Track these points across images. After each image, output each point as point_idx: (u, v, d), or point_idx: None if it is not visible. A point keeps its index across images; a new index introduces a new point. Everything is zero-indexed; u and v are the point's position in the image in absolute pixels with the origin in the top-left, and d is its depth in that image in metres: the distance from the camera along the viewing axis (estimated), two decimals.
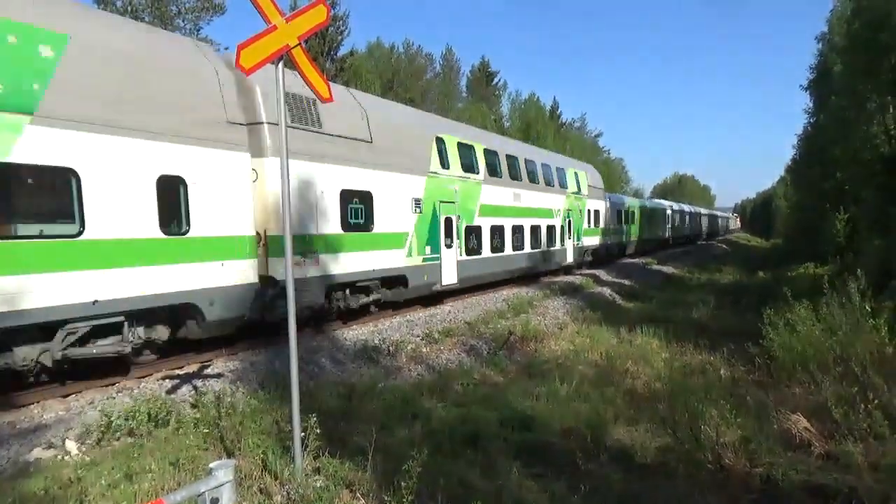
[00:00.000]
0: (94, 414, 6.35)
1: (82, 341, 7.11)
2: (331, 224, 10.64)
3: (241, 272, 8.85)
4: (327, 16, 4.76)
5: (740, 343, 9.26)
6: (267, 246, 9.43)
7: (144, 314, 7.72)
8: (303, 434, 4.73)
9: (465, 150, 15.59)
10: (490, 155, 16.96)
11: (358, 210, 11.39)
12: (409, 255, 12.92)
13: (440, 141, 14.44)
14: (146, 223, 7.56)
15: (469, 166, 15.63)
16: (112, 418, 6.06)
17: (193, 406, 6.74)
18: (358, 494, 4.55)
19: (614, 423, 6.54)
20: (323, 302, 10.66)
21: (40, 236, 6.59)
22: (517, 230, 18.25)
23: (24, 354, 6.63)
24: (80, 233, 6.88)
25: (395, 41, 60.86)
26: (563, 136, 58.12)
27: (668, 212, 46.00)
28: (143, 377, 8.03)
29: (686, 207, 57.84)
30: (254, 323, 9.54)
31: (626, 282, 23.18)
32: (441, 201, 14.12)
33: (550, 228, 20.88)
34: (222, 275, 8.55)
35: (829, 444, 5.43)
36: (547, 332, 12.39)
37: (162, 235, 7.76)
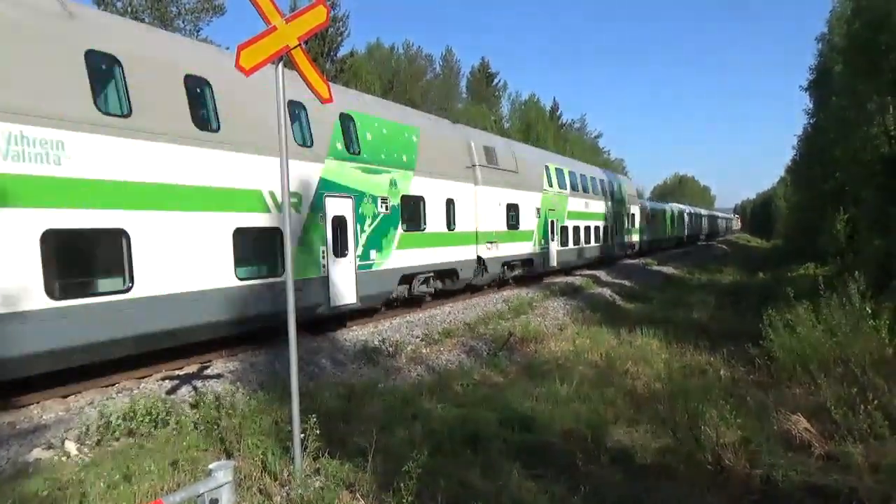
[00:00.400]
0: (93, 414, 6.35)
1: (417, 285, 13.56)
2: (501, 224, 17.29)
3: (471, 252, 15.69)
4: (327, 17, 4.77)
5: (740, 344, 9.25)
6: (477, 238, 15.98)
7: (439, 273, 14.43)
8: (302, 435, 4.73)
9: (559, 172, 22.52)
10: (572, 175, 23.89)
11: (512, 216, 17.96)
12: (534, 245, 19.61)
13: (546, 168, 21.33)
14: (442, 224, 14.34)
15: (561, 184, 22.47)
16: (111, 419, 6.06)
17: (193, 406, 6.74)
18: (358, 495, 4.54)
19: (614, 423, 6.53)
20: (500, 272, 17.46)
21: (415, 230, 13.20)
22: (587, 229, 25.00)
23: (402, 289, 13.06)
24: (424, 229, 13.55)
25: (395, 42, 60.90)
26: (564, 136, 58.17)
27: (684, 214, 52.82)
28: (143, 377, 8.03)
29: (695, 210, 64.15)
30: (470, 284, 16.22)
31: (626, 282, 23.17)
32: (549, 209, 20.77)
33: (606, 228, 27.64)
34: (465, 253, 15.37)
35: (830, 444, 5.42)
36: (547, 333, 12.38)
37: (447, 231, 14.52)
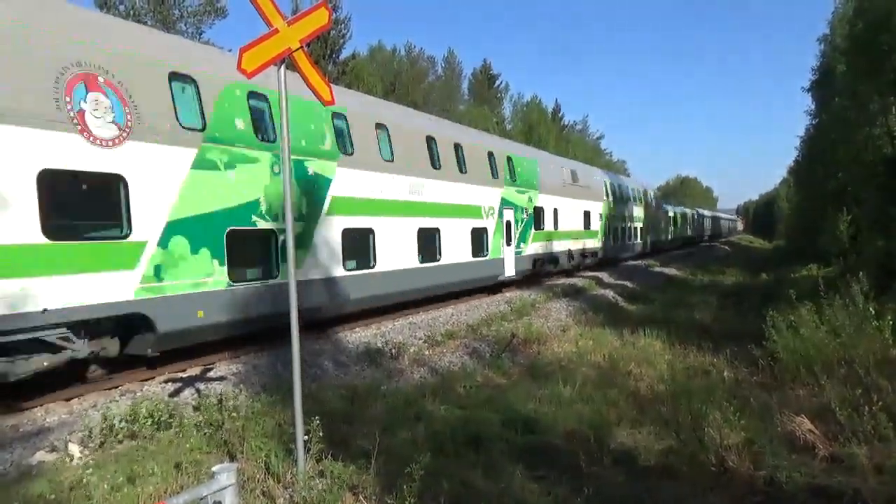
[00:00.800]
0: (96, 417, 6.35)
1: (545, 264, 20.99)
2: (581, 226, 24.26)
3: (566, 245, 22.51)
4: (329, 19, 4.77)
5: (743, 345, 9.21)
6: (569, 235, 22.77)
7: (549, 259, 21.03)
8: (306, 437, 4.73)
9: (612, 186, 29.65)
10: (621, 187, 31.43)
11: (587, 220, 24.99)
12: (597, 241, 26.60)
13: (605, 182, 28.64)
14: (552, 226, 21.07)
15: (614, 195, 29.58)
16: (115, 421, 6.06)
17: (196, 409, 6.74)
18: (361, 497, 4.54)
19: (618, 425, 6.51)
20: (579, 261, 24.28)
21: (539, 230, 20.02)
22: (631, 230, 32.69)
23: (540, 267, 20.46)
24: (543, 228, 20.36)
25: (396, 44, 60.82)
26: (566, 138, 58.11)
27: (688, 216, 56.57)
28: (146, 380, 8.05)
29: (698, 212, 67.20)
30: (562, 269, 23.04)
31: (629, 284, 23.15)
32: (607, 214, 27.94)
33: (640, 229, 35.11)
34: (563, 246, 22.21)
35: (834, 446, 5.40)
36: (549, 335, 12.36)
37: (554, 230, 21.42)
